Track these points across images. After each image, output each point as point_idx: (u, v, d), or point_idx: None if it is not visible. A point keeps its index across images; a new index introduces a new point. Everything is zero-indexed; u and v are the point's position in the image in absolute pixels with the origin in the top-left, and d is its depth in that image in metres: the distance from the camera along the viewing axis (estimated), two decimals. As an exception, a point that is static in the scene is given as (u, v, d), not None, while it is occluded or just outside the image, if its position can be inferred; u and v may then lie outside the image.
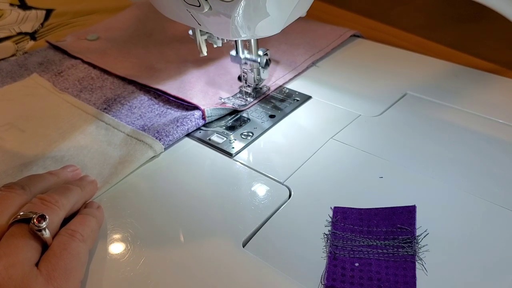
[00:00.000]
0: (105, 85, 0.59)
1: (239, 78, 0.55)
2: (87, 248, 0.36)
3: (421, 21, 0.74)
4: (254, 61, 0.51)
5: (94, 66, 0.63)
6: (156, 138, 0.47)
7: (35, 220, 0.34)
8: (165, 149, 0.48)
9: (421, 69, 0.59)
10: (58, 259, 0.34)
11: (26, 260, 0.33)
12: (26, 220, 0.34)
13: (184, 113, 0.52)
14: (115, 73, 0.60)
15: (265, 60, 0.51)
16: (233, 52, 0.52)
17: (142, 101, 0.55)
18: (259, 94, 0.55)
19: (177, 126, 0.49)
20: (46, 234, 0.34)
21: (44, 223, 0.34)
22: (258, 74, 0.53)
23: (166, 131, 0.48)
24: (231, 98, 0.54)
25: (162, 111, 0.53)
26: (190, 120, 0.50)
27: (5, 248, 0.33)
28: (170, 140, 0.48)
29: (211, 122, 0.52)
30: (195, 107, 0.52)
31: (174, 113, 0.52)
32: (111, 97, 0.56)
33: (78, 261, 0.35)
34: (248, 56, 0.52)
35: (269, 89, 0.56)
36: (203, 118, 0.51)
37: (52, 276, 0.33)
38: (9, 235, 0.34)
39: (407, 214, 0.39)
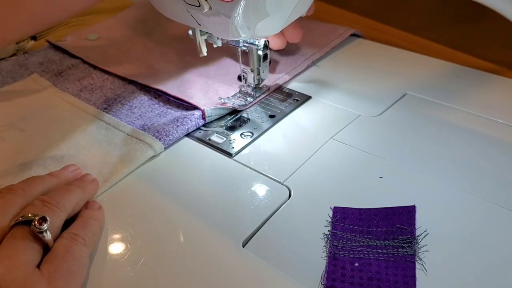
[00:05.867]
0: (105, 85, 0.59)
1: (239, 78, 0.55)
2: (89, 251, 0.37)
3: (421, 21, 0.74)
4: (253, 43, 0.51)
5: (94, 66, 0.63)
6: (156, 138, 0.48)
7: (36, 222, 0.34)
8: (165, 148, 0.48)
9: (421, 69, 0.59)
10: (60, 261, 0.34)
11: (28, 262, 0.33)
12: (27, 222, 0.34)
13: (184, 113, 0.52)
14: (115, 73, 0.60)
15: (263, 43, 0.50)
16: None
17: (142, 101, 0.55)
18: (259, 94, 0.55)
19: (177, 126, 0.49)
20: (48, 236, 0.34)
21: (45, 225, 0.34)
22: (258, 73, 0.53)
23: (166, 130, 0.48)
24: (230, 98, 0.54)
25: (162, 111, 0.53)
26: (190, 120, 0.50)
27: (7, 250, 0.33)
28: (170, 139, 0.48)
29: (211, 122, 0.52)
30: (195, 107, 0.52)
31: (174, 113, 0.52)
32: (111, 97, 0.56)
33: (80, 264, 0.35)
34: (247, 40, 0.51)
35: (268, 89, 0.56)
36: (203, 118, 0.51)
37: (54, 278, 0.33)
38: (10, 237, 0.34)
39: (407, 214, 0.39)
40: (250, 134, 0.50)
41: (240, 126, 0.51)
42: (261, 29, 0.42)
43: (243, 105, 0.53)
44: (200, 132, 0.51)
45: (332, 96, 0.55)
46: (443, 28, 0.71)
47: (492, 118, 0.49)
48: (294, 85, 0.57)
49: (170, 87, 0.56)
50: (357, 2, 0.80)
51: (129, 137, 0.49)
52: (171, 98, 0.54)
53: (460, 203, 0.40)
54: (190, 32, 0.50)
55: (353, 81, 0.57)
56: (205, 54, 0.51)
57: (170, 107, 0.53)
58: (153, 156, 0.47)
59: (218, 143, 0.49)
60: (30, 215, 0.35)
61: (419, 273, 0.35)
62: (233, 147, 0.48)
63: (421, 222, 0.38)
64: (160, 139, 0.47)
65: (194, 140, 0.50)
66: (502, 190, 0.41)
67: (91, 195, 0.42)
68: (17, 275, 0.32)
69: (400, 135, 0.48)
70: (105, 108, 0.54)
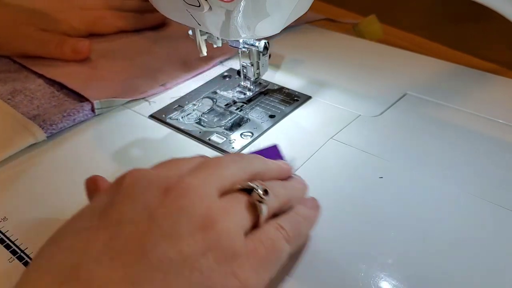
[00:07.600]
0: (19, 78, 0.60)
1: (238, 73, 0.55)
2: (289, 250, 0.33)
3: (421, 21, 0.74)
4: (253, 45, 0.51)
5: (14, 60, 0.64)
6: (41, 127, 0.50)
7: (260, 191, 0.32)
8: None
9: (421, 69, 0.59)
10: (263, 247, 0.31)
11: (241, 226, 0.31)
12: (248, 191, 0.32)
13: (77, 104, 0.53)
14: (25, 65, 0.62)
15: (263, 44, 0.50)
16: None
17: (45, 93, 0.57)
18: (258, 89, 0.55)
19: (63, 116, 0.51)
20: (264, 211, 0.32)
21: (267, 197, 0.32)
22: (258, 68, 0.53)
23: (52, 120, 0.50)
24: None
25: (59, 103, 0.55)
26: (78, 111, 0.52)
27: (227, 205, 0.31)
28: (54, 129, 0.50)
29: (211, 122, 0.52)
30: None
31: (69, 105, 0.54)
32: (19, 89, 0.58)
33: (278, 258, 0.32)
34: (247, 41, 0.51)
35: (267, 86, 0.56)
36: (92, 110, 0.53)
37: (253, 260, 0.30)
38: (233, 198, 0.32)
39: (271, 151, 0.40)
40: (250, 134, 0.50)
41: (240, 126, 0.51)
42: (261, 29, 0.42)
43: (241, 98, 0.53)
44: (199, 132, 0.51)
45: (332, 96, 0.55)
46: (443, 28, 0.71)
47: (492, 118, 0.49)
48: (294, 85, 0.57)
49: (71, 79, 0.57)
50: (357, 2, 0.80)
51: (19, 125, 0.51)
52: (71, 91, 0.56)
53: (460, 203, 0.40)
54: (190, 32, 0.50)
55: (353, 81, 0.57)
56: (205, 54, 0.51)
57: (68, 99, 0.55)
58: (152, 157, 0.47)
59: (218, 143, 0.49)
60: (254, 185, 0.32)
61: (419, 273, 0.35)
62: (233, 147, 0.48)
63: (421, 222, 0.38)
64: (43, 128, 0.49)
65: (194, 140, 0.50)
66: (503, 190, 0.41)
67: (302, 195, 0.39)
68: (232, 227, 0.30)
69: (400, 135, 0.48)
70: (8, 99, 0.56)
